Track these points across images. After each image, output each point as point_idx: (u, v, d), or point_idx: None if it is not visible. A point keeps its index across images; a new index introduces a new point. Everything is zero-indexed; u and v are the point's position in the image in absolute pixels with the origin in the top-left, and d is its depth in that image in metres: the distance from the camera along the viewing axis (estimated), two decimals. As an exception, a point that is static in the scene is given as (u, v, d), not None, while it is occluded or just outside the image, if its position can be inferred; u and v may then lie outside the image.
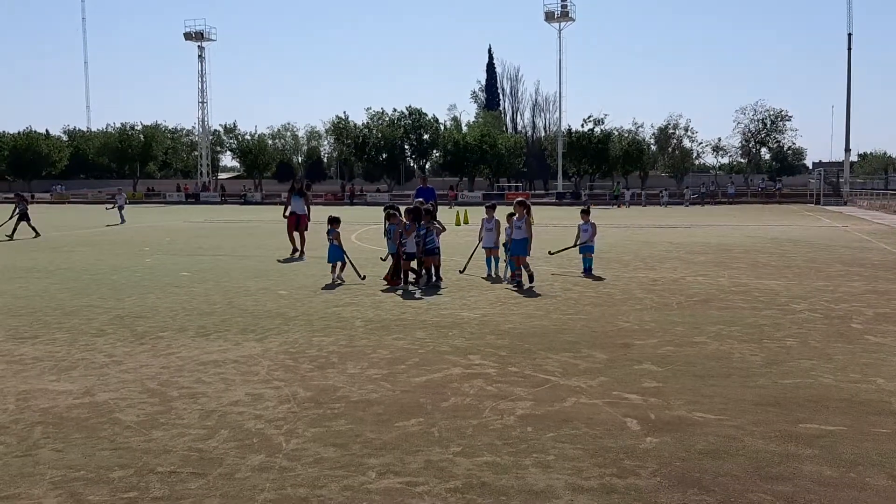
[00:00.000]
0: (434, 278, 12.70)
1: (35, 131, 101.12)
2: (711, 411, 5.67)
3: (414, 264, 12.83)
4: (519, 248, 12.43)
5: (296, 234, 18.23)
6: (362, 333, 8.65)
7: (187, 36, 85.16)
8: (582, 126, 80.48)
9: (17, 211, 24.35)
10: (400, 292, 11.81)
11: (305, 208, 18.54)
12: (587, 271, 13.92)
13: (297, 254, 17.72)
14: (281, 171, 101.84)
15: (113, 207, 35.63)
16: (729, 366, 7.10)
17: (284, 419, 5.49)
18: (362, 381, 6.57)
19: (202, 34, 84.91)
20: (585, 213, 14.98)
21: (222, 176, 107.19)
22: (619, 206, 56.93)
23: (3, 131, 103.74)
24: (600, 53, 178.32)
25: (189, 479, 4.35)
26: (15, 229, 23.76)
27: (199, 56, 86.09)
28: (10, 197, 25.61)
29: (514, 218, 12.77)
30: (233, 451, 4.81)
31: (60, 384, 6.49)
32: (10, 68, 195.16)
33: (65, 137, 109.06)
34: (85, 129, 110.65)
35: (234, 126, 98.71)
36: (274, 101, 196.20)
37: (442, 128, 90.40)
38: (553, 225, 29.35)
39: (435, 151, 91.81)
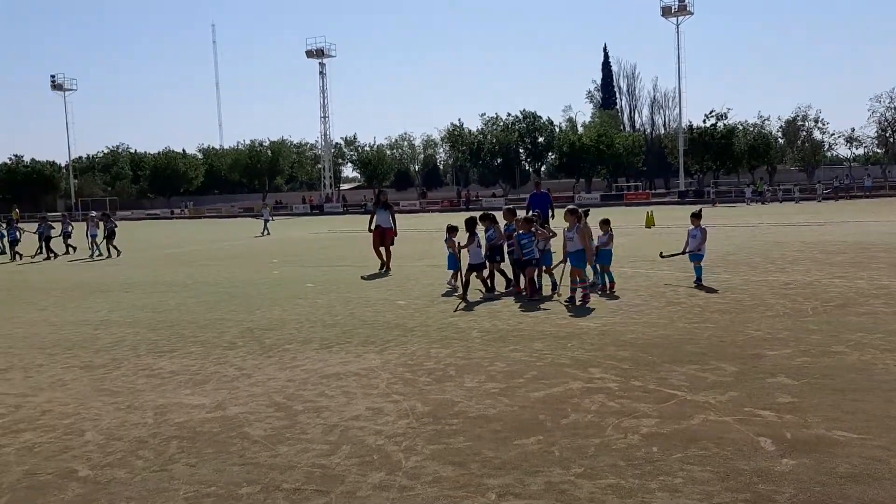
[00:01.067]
0: (530, 293, 12.00)
1: (173, 151, 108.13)
2: (853, 430, 5.26)
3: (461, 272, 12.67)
4: (575, 260, 11.66)
5: (382, 249, 17.32)
6: (479, 345, 8.61)
7: (309, 54, 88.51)
8: (704, 121, 77.71)
9: (106, 229, 25.43)
10: (520, 303, 11.70)
11: (391, 221, 17.55)
12: (698, 281, 12.76)
13: (384, 269, 16.90)
14: (399, 180, 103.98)
15: (260, 219, 38.18)
16: (871, 378, 6.57)
17: (404, 435, 5.52)
18: (480, 395, 6.53)
19: (322, 51, 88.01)
20: (696, 216, 13.50)
21: (344, 187, 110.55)
22: (762, 203, 54.58)
23: (145, 152, 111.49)
24: (721, 46, 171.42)
25: (313, 497, 4.44)
26: (108, 247, 24.92)
27: (321, 72, 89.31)
28: (107, 214, 26.80)
29: (565, 228, 11.92)
30: (354, 469, 4.87)
31: (195, 398, 6.82)
32: (151, 94, 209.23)
33: (200, 155, 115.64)
34: (218, 147, 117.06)
35: (354, 138, 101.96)
36: (391, 112, 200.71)
37: (557, 130, 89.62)
38: (669, 227, 28.36)
39: (550, 154, 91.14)
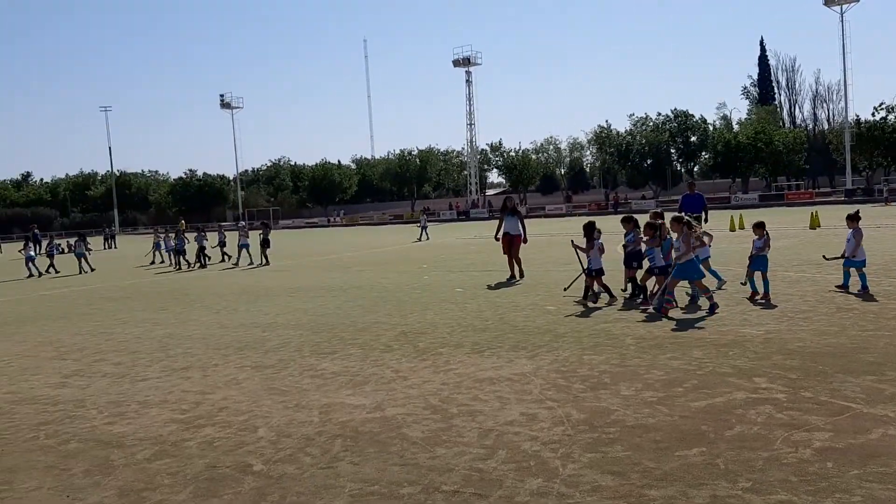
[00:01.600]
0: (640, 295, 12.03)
1: (329, 162, 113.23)
2: None
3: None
4: (679, 271, 11.11)
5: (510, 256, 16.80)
6: (634, 352, 8.41)
7: (455, 63, 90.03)
8: (872, 115, 71.90)
9: (261, 237, 26.54)
10: (680, 308, 11.30)
11: (520, 228, 16.88)
12: (863, 289, 11.50)
13: (514, 278, 16.33)
14: (544, 184, 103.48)
15: (418, 226, 39.89)
16: None
17: (559, 442, 5.49)
18: (637, 404, 6.37)
19: (469, 59, 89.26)
20: (852, 218, 12.01)
21: (489, 192, 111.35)
22: None
23: (304, 164, 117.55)
24: (889, 33, 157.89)
25: (472, 500, 4.50)
26: (262, 255, 25.70)
27: (467, 80, 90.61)
28: (264, 223, 28.21)
29: (674, 237, 11.48)
30: (511, 474, 4.90)
31: (355, 398, 7.10)
32: (309, 109, 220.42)
33: (353, 166, 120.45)
34: (369, 157, 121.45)
35: (500, 144, 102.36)
36: (537, 116, 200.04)
37: (710, 128, 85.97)
38: (835, 227, 26.40)
39: (703, 153, 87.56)
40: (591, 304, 12.11)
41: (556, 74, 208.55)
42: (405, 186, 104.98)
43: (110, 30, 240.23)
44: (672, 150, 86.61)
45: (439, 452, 5.40)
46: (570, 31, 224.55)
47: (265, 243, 25.98)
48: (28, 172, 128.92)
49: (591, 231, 12.81)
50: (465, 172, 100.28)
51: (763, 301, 11.33)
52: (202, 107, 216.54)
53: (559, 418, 6.07)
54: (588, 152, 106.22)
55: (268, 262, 25.39)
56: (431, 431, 5.92)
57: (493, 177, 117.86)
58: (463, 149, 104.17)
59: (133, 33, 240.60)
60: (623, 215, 13.51)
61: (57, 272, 27.75)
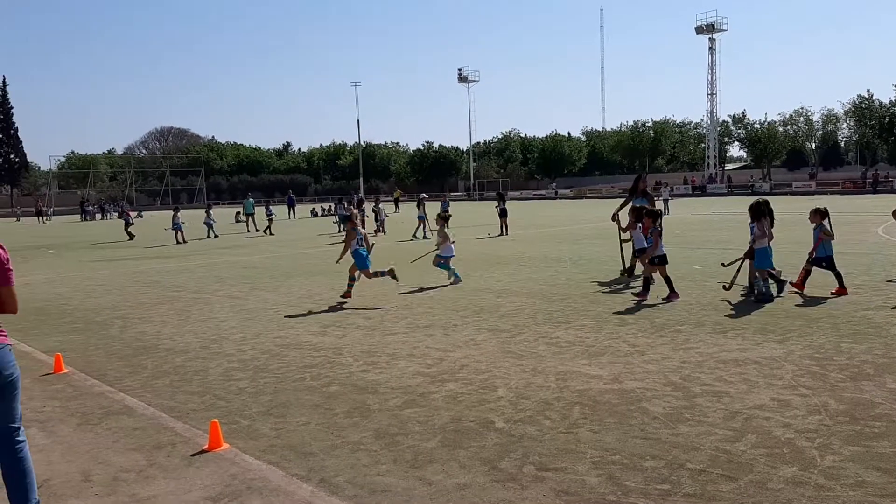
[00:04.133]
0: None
1: (559, 134, 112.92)
2: None
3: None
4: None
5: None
6: (904, 343, 7.59)
7: (698, 29, 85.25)
8: None
9: (498, 207, 27.15)
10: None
11: None
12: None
13: (624, 274, 13.86)
14: (792, 159, 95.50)
15: (659, 199, 38.82)
16: None
17: (816, 431, 5.12)
18: (908, 399, 5.77)
19: (713, 26, 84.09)
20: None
21: (729, 167, 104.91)
22: None
23: (534, 136, 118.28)
24: None
25: (719, 481, 4.36)
26: (503, 224, 26.70)
27: (710, 48, 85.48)
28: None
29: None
30: (762, 459, 4.67)
31: (592, 369, 7.12)
32: (540, 81, 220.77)
33: (583, 138, 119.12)
34: (600, 129, 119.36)
35: (743, 115, 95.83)
36: (786, 87, 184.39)
37: None
38: None
39: None
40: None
41: (810, 40, 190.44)
42: (637, 159, 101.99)
43: (360, 10, 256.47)
44: (949, 123, 75.92)
45: (682, 430, 5.28)
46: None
47: (503, 213, 26.76)
48: (288, 143, 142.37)
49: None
50: (703, 145, 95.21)
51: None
52: (441, 81, 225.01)
53: (815, 407, 5.66)
54: (844, 125, 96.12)
55: (507, 232, 26.18)
56: (673, 408, 5.79)
57: (734, 150, 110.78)
58: (702, 120, 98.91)
59: (379, 11, 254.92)
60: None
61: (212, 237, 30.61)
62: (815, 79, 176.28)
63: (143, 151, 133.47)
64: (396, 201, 63.74)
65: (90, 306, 12.59)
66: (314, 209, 56.31)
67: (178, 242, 27.87)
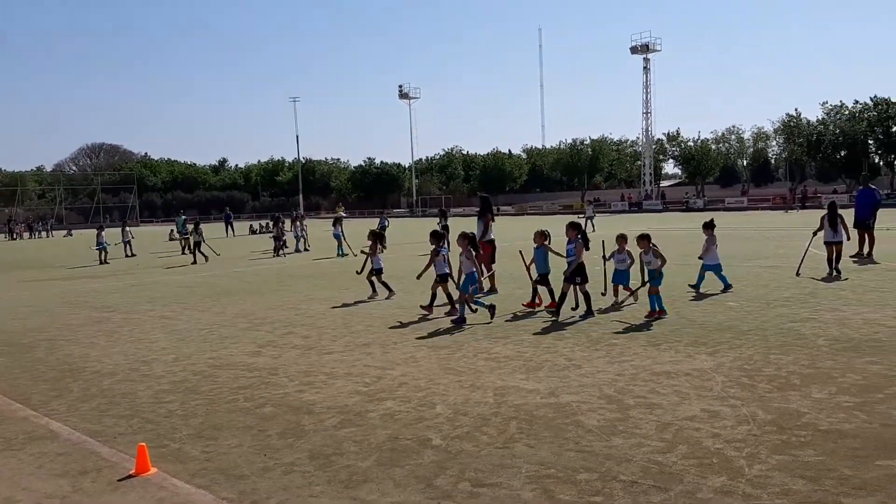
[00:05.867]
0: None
1: (500, 151, 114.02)
2: None
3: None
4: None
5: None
6: (826, 354, 7.85)
7: (633, 50, 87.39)
8: None
9: (440, 224, 27.17)
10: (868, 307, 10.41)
11: (481, 231, 14.92)
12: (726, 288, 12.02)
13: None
14: (724, 176, 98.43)
15: (583, 216, 39.01)
16: None
17: (744, 441, 5.24)
18: (831, 408, 5.96)
19: (647, 46, 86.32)
20: (707, 227, 12.91)
21: (664, 184, 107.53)
22: None
23: (476, 153, 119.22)
24: None
25: (651, 492, 4.42)
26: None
27: (645, 68, 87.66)
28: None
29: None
30: (693, 469, 4.75)
31: (529, 383, 7.15)
32: (481, 99, 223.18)
33: (524, 155, 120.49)
34: (540, 147, 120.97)
35: (677, 133, 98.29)
36: (718, 105, 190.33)
37: (918, 117, 77.80)
38: None
39: (909, 144, 79.42)
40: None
41: (741, 61, 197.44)
42: (576, 176, 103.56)
43: (298, 24, 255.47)
44: (870, 141, 79.29)
45: (616, 442, 5.33)
46: (758, 13, 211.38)
47: (445, 230, 26.79)
48: (224, 159, 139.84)
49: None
50: (640, 163, 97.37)
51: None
52: (382, 98, 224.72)
53: (744, 417, 5.80)
54: (774, 142, 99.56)
55: (449, 249, 26.19)
56: (607, 421, 5.85)
57: (669, 168, 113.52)
58: (638, 138, 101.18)
59: (318, 28, 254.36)
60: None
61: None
62: (745, 98, 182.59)
63: (74, 168, 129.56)
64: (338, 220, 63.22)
65: (15, 328, 12.11)
66: (252, 226, 55.56)
67: (100, 262, 27.04)
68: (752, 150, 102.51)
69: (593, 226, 37.39)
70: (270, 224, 33.54)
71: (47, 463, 5.47)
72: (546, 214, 76.54)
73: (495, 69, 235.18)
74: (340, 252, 26.90)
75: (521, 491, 4.55)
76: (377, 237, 14.26)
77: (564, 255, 11.50)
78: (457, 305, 11.36)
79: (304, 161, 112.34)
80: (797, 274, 14.67)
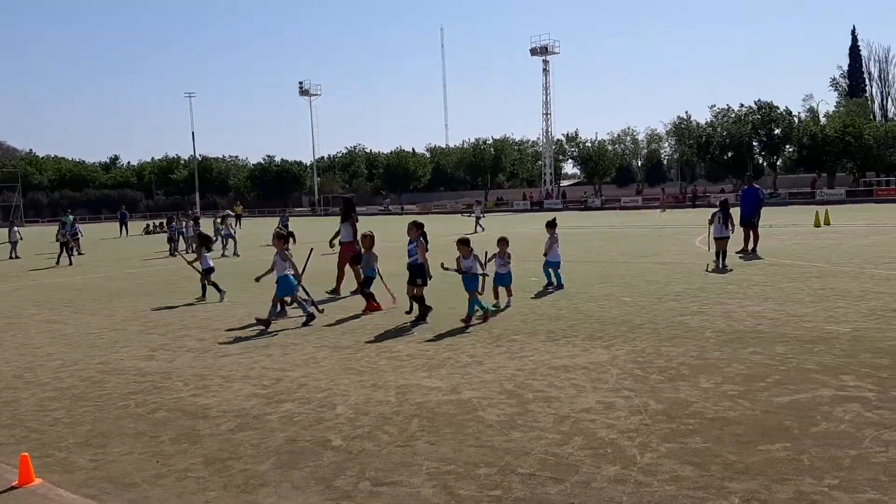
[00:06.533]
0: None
1: (404, 150, 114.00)
2: None
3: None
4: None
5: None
6: (714, 345, 8.23)
7: (533, 51, 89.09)
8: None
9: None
10: (753, 301, 10.99)
11: (350, 235, 14.39)
12: (559, 286, 13.01)
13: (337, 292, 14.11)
14: (620, 176, 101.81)
15: (471, 216, 38.89)
16: None
17: (637, 431, 5.43)
18: (717, 396, 6.25)
19: (546, 48, 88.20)
20: (549, 225, 14.20)
21: (564, 183, 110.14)
22: None
23: (379, 152, 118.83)
24: None
25: (548, 484, 4.51)
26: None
27: (544, 70, 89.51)
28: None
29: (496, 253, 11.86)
30: (588, 460, 4.88)
31: (431, 381, 7.17)
32: (384, 97, 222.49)
33: (427, 154, 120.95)
34: (444, 146, 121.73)
35: (576, 134, 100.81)
36: (614, 107, 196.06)
37: (796, 121, 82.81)
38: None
39: (788, 147, 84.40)
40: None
41: (635, 64, 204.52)
42: (479, 176, 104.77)
43: (194, 16, 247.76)
44: (755, 143, 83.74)
45: (515, 436, 5.42)
46: (653, 17, 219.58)
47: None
48: (116, 156, 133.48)
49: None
50: (540, 163, 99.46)
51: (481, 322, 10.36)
52: (281, 94, 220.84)
53: (636, 408, 6.00)
54: (666, 144, 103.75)
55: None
56: (507, 416, 5.93)
57: (569, 168, 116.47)
58: (538, 139, 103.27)
59: (216, 20, 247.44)
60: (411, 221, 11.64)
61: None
62: (640, 100, 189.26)
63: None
64: (238, 217, 61.67)
65: None
66: (148, 225, 53.44)
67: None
68: (646, 150, 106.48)
69: (482, 226, 36.72)
70: (164, 223, 32.42)
71: (-85, 479, 5.09)
72: (451, 213, 77.06)
73: (398, 67, 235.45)
74: (234, 251, 26.44)
75: (421, 488, 4.55)
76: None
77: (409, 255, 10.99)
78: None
79: (200, 158, 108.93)
80: (708, 269, 15.36)
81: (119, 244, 38.01)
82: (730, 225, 16.34)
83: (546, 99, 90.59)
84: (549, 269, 13.90)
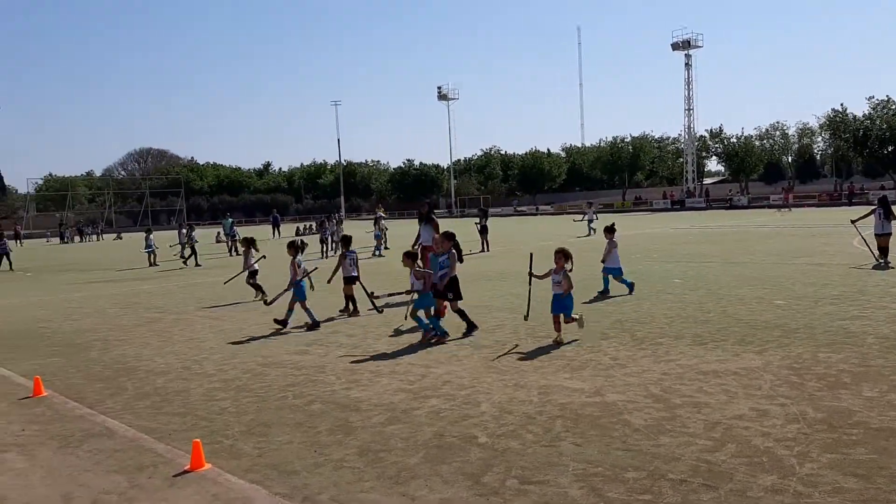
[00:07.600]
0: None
1: (539, 151, 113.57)
2: None
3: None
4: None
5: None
6: (877, 352, 7.71)
7: (674, 46, 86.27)
8: None
9: (479, 224, 27.43)
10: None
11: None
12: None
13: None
14: (769, 172, 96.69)
15: (582, 219, 38.11)
16: None
17: (794, 440, 5.19)
18: (882, 406, 5.86)
19: (689, 42, 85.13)
20: (608, 230, 13.35)
21: (707, 181, 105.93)
22: None
23: (514, 153, 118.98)
24: None
25: (700, 491, 4.40)
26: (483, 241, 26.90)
27: (686, 64, 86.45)
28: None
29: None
30: (742, 468, 4.72)
31: (573, 382, 7.16)
32: (520, 99, 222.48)
33: (563, 154, 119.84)
34: (580, 145, 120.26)
35: (720, 130, 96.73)
36: (763, 101, 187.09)
37: (966, 111, 75.49)
38: None
39: (959, 139, 77.06)
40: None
41: (784, 56, 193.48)
42: (616, 175, 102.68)
43: (340, 28, 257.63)
44: (919, 136, 77.17)
45: (664, 441, 5.32)
46: (801, 7, 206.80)
47: (484, 230, 27.11)
48: (268, 162, 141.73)
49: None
50: (682, 160, 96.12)
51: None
52: (421, 99, 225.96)
53: (793, 416, 5.73)
54: (820, 138, 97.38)
55: (487, 249, 26.41)
56: (654, 420, 5.84)
57: (712, 165, 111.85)
58: (679, 135, 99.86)
59: (360, 32, 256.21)
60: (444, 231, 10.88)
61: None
62: (790, 93, 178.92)
63: (122, 173, 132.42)
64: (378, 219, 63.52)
65: (69, 329, 12.47)
66: (298, 228, 56.32)
67: (150, 265, 27.59)
68: (797, 146, 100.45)
69: (593, 229, 33.14)
70: (316, 225, 34.18)
71: (104, 459, 5.64)
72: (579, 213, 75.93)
73: (534, 68, 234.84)
74: (378, 252, 27.29)
75: (568, 489, 4.57)
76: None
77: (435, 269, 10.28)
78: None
79: (345, 164, 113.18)
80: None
81: (272, 245, 40.20)
82: (891, 220, 15.35)
83: (688, 94, 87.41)
84: (609, 276, 13.17)
